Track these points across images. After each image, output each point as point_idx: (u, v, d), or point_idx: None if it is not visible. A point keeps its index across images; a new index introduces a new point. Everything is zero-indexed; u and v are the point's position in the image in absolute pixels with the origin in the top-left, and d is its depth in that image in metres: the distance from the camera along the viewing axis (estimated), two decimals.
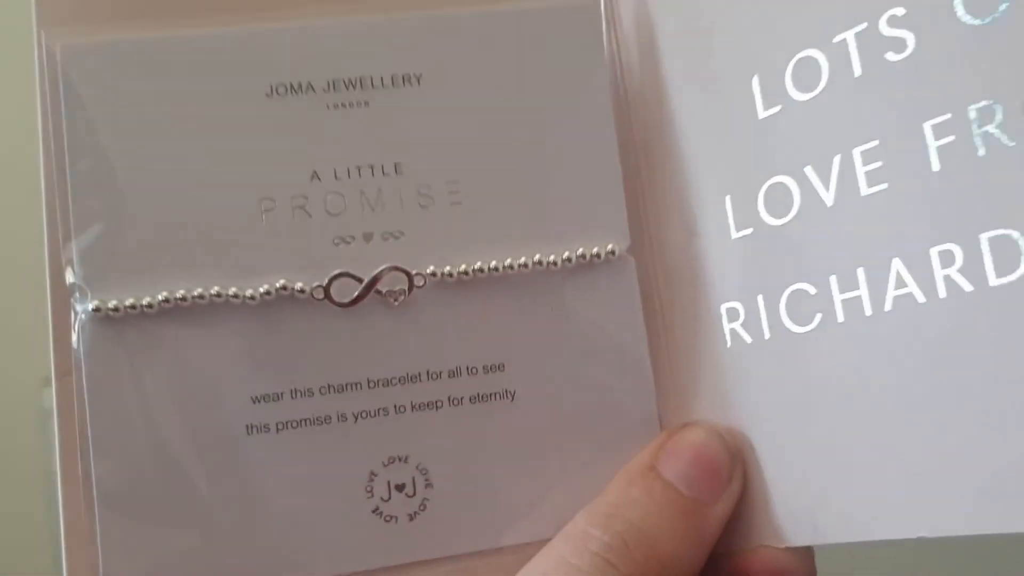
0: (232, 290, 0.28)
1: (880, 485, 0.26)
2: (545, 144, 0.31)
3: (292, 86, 0.30)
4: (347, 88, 0.30)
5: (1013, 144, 0.23)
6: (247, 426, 0.28)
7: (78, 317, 0.28)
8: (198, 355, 0.28)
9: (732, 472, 0.29)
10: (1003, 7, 0.23)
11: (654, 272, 0.32)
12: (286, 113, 0.30)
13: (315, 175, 0.30)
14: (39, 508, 1.00)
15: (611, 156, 0.31)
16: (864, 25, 0.26)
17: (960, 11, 0.24)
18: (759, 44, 0.29)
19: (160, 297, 0.28)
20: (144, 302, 0.28)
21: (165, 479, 0.28)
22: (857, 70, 0.26)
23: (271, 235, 0.29)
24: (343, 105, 0.30)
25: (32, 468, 1.01)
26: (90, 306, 0.28)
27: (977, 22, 0.24)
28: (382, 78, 0.30)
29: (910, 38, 0.25)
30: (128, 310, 0.28)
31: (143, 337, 0.28)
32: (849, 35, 0.26)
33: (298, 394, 0.29)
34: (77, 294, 0.28)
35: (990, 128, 0.23)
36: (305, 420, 0.29)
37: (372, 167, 0.30)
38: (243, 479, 0.28)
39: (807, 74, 0.28)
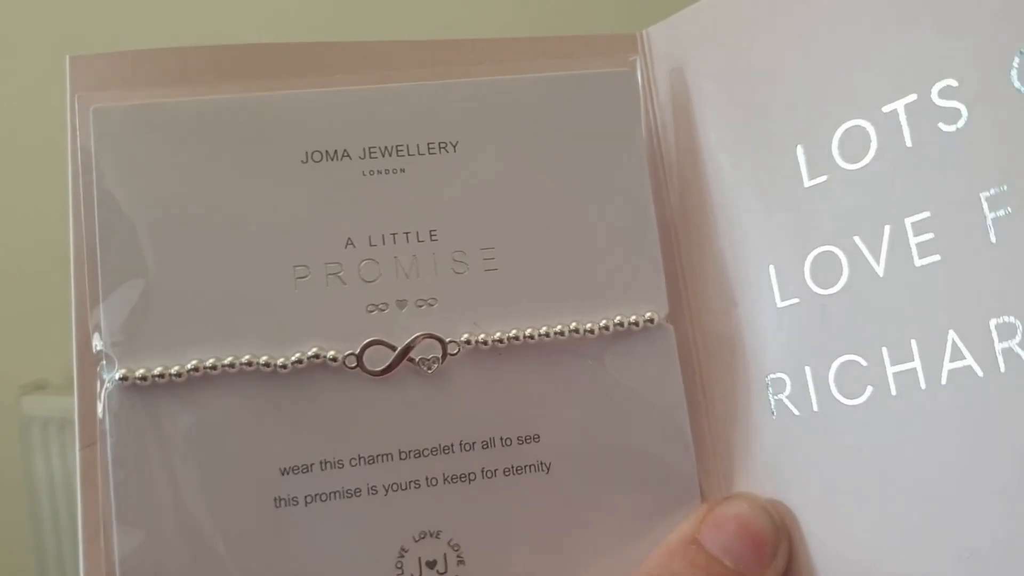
0: (263, 359, 0.28)
1: (931, 564, 0.25)
2: (582, 210, 0.30)
3: (328, 153, 0.29)
4: (383, 155, 0.30)
5: None
6: (275, 499, 0.27)
7: (104, 386, 0.27)
8: (226, 425, 0.28)
9: (777, 546, 0.28)
10: None
11: (693, 341, 0.31)
12: (321, 179, 0.29)
13: (349, 242, 0.29)
14: (17, 515, 0.98)
15: (649, 223, 0.31)
16: (915, 96, 0.26)
17: (1016, 82, 0.23)
18: (804, 113, 0.28)
19: (189, 366, 0.27)
20: (173, 371, 0.27)
21: (190, 554, 0.27)
22: (908, 140, 0.26)
23: (304, 302, 0.28)
24: (379, 172, 0.30)
25: (10, 475, 0.99)
26: (117, 375, 0.27)
27: None
28: (418, 145, 0.30)
29: (963, 109, 0.24)
30: (156, 379, 0.27)
31: (171, 407, 0.27)
32: (899, 105, 0.26)
33: (328, 465, 0.28)
34: (104, 362, 0.27)
35: None
36: (335, 493, 0.28)
37: (407, 234, 0.29)
38: (271, 554, 0.27)
39: (855, 143, 0.27)
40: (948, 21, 0.25)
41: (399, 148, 0.30)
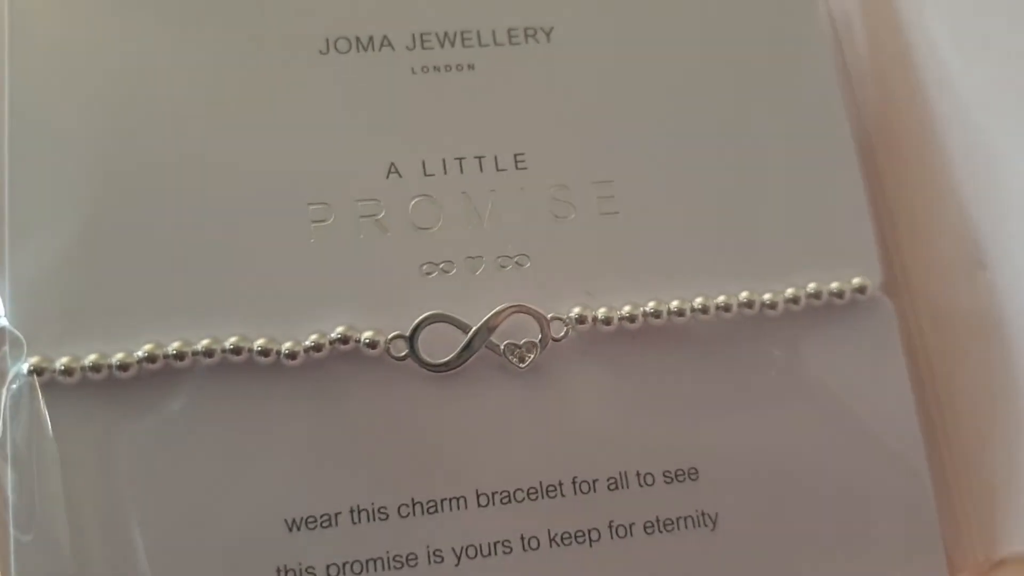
0: (259, 342, 0.17)
1: None
2: (742, 130, 0.20)
3: (360, 41, 0.20)
4: (442, 45, 0.20)
5: None
6: (279, 569, 0.17)
7: (6, 382, 0.17)
8: (198, 451, 0.17)
9: None
10: None
11: (917, 320, 0.20)
12: (350, 78, 0.19)
13: (393, 169, 0.19)
14: None
15: (846, 152, 0.20)
16: None
17: None
18: None
19: (141, 353, 0.17)
20: (115, 361, 0.17)
21: None
22: None
23: (323, 259, 0.18)
24: (436, 68, 0.20)
25: None
26: (26, 366, 0.17)
27: None
28: (494, 32, 0.20)
29: None
30: (89, 373, 0.17)
31: (112, 418, 0.17)
32: None
33: (363, 515, 0.17)
34: (7, 346, 0.17)
35: None
36: (374, 560, 0.17)
37: (480, 159, 0.19)
38: None
39: None
40: None
41: (466, 36, 0.20)
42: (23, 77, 0.18)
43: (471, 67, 0.20)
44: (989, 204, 0.20)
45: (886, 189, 0.21)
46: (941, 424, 0.20)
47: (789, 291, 0.19)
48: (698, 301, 0.19)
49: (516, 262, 0.19)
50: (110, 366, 0.17)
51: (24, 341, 0.17)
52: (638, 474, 0.18)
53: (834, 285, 0.19)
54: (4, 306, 0.17)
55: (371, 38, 0.20)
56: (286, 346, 0.17)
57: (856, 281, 0.19)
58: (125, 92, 0.18)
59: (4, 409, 0.17)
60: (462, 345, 0.18)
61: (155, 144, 0.18)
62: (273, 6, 0.19)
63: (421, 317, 0.18)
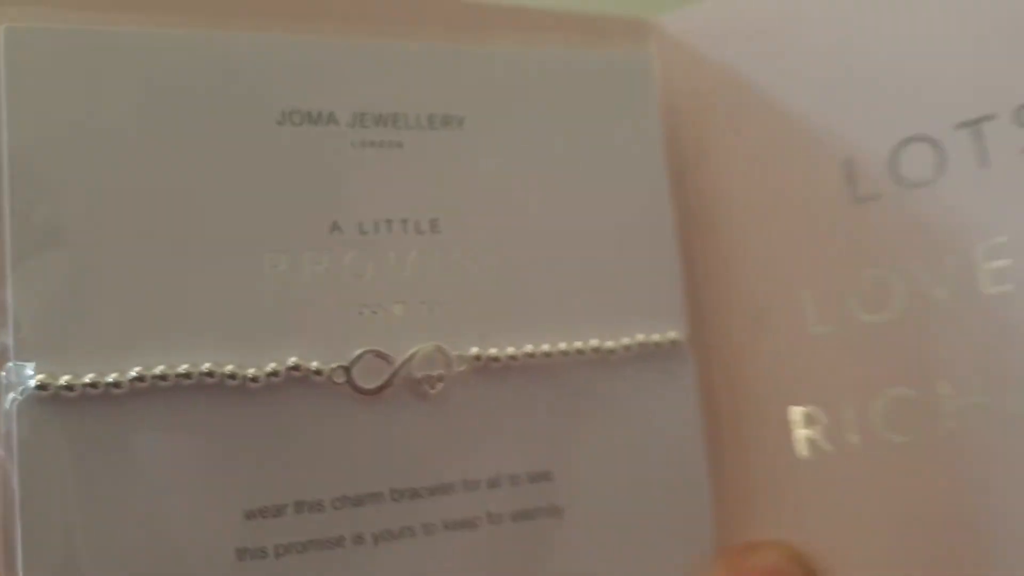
0: (228, 368, 0.21)
1: None
2: (599, 207, 0.26)
3: (311, 115, 0.24)
4: (377, 124, 0.24)
5: None
6: (238, 550, 0.21)
7: (13, 395, 0.20)
8: (177, 455, 0.21)
9: None
10: None
11: (711, 367, 0.27)
12: (302, 146, 0.23)
13: (336, 227, 0.23)
14: None
15: (666, 229, 0.27)
16: (991, 112, 0.24)
17: None
18: (859, 124, 0.26)
19: (132, 374, 0.21)
20: (110, 379, 0.20)
21: None
22: (982, 161, 0.24)
23: (278, 300, 0.22)
24: (372, 144, 0.24)
25: None
26: (33, 381, 0.20)
27: None
28: (419, 117, 0.25)
29: None
30: (87, 389, 0.20)
31: (106, 428, 0.20)
32: (973, 125, 0.24)
33: (305, 508, 0.22)
34: (12, 363, 0.20)
35: None
36: (313, 542, 0.22)
37: (405, 222, 0.24)
38: None
39: (916, 160, 0.25)
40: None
41: (396, 118, 0.25)
42: (20, 129, 0.21)
43: (400, 144, 0.25)
44: (765, 280, 0.27)
45: (699, 264, 0.28)
46: (725, 443, 0.27)
47: (625, 340, 0.26)
48: (563, 346, 0.25)
49: (429, 308, 0.24)
50: (105, 384, 0.20)
51: (30, 359, 0.20)
52: (510, 476, 0.24)
53: (656, 336, 0.26)
54: (10, 330, 0.20)
55: (320, 113, 0.24)
56: (250, 372, 0.22)
57: (672, 334, 0.26)
58: (112, 151, 0.22)
59: (12, 425, 0.20)
60: (388, 375, 0.23)
61: (141, 198, 0.22)
62: (239, 81, 0.23)
63: (359, 351, 0.23)
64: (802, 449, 0.26)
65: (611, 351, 0.25)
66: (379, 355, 0.23)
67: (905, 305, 0.25)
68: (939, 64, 0.25)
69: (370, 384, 0.23)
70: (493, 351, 0.24)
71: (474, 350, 0.24)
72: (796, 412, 0.26)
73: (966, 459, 0.24)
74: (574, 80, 0.27)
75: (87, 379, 0.20)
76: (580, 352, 0.25)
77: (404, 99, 0.25)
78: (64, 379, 0.20)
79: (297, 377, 0.22)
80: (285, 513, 0.22)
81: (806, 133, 0.27)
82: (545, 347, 0.25)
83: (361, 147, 0.24)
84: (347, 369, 0.23)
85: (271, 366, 0.22)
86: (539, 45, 0.27)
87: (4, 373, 0.20)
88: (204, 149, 0.22)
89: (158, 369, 0.21)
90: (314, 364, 0.22)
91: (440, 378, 0.24)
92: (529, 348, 0.25)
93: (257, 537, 0.21)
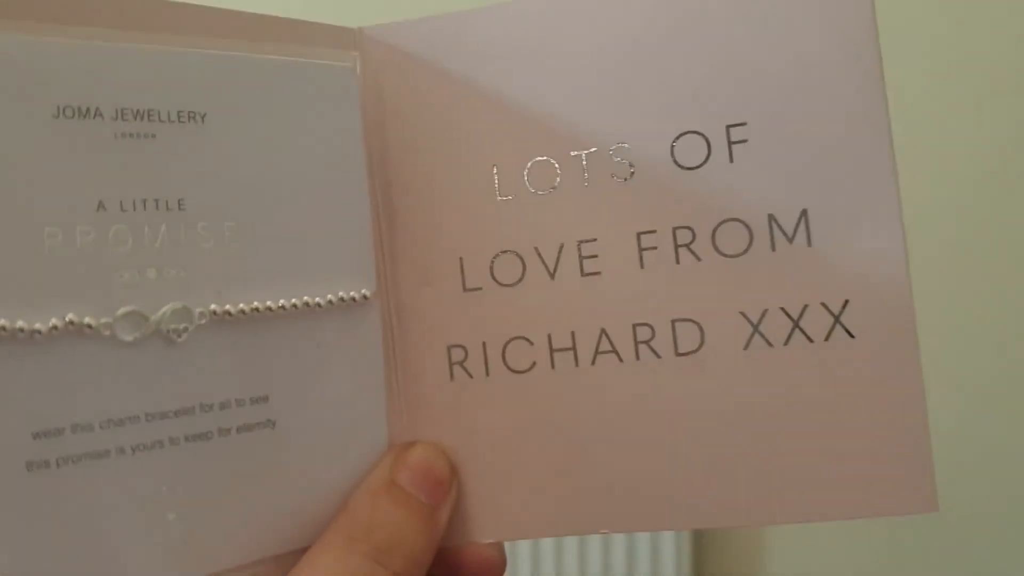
0: (19, 323, 0.27)
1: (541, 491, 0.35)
2: (307, 193, 0.34)
3: (80, 110, 0.29)
4: (135, 118, 0.30)
5: (702, 260, 0.33)
6: (27, 463, 0.27)
7: None
8: None
9: (452, 482, 0.35)
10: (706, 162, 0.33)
11: (390, 314, 0.37)
12: (74, 137, 0.28)
13: (101, 206, 0.29)
14: None
15: (364, 207, 0.35)
16: (595, 149, 0.34)
17: (675, 156, 0.34)
18: (502, 144, 0.35)
19: None
20: None
21: None
22: (585, 180, 0.35)
23: (55, 267, 0.28)
24: (130, 135, 0.30)
25: None
26: None
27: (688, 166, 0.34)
28: (169, 112, 0.31)
29: (632, 165, 0.34)
30: None
31: None
32: (583, 153, 0.35)
33: (79, 429, 0.28)
34: None
35: (689, 246, 0.33)
36: (86, 454, 0.28)
37: (157, 201, 0.30)
38: (24, 518, 0.27)
39: (543, 174, 0.35)
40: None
41: (151, 113, 0.30)
42: None
43: (153, 136, 0.30)
44: (429, 248, 0.36)
45: (384, 237, 0.37)
46: (397, 372, 0.37)
47: (328, 296, 0.34)
48: (280, 302, 0.33)
49: (177, 272, 0.31)
50: None
51: None
52: (236, 400, 0.32)
53: (352, 293, 0.35)
54: None
55: (88, 108, 0.29)
56: (36, 326, 0.27)
57: (363, 291, 0.35)
58: None
59: None
60: (145, 328, 0.29)
61: None
62: (20, 79, 0.27)
63: (122, 311, 0.29)
64: (452, 375, 0.36)
65: (318, 305, 0.34)
66: (137, 313, 0.29)
67: (528, 278, 0.35)
68: (562, 102, 0.35)
69: (131, 336, 0.29)
70: (228, 307, 0.31)
71: (212, 306, 0.31)
72: (449, 349, 0.36)
73: (563, 390, 0.35)
74: (292, 82, 0.33)
75: None
76: (295, 307, 0.33)
77: (158, 97, 0.30)
78: None
79: (73, 330, 0.28)
80: (64, 433, 0.28)
81: (466, 139, 0.36)
82: (268, 303, 0.32)
83: (122, 138, 0.30)
84: (112, 324, 0.29)
85: (52, 321, 0.28)
86: (267, 50, 0.33)
87: None
88: None
89: None
90: (87, 320, 0.28)
91: (185, 329, 0.30)
92: (256, 304, 0.32)
93: (42, 452, 0.27)
